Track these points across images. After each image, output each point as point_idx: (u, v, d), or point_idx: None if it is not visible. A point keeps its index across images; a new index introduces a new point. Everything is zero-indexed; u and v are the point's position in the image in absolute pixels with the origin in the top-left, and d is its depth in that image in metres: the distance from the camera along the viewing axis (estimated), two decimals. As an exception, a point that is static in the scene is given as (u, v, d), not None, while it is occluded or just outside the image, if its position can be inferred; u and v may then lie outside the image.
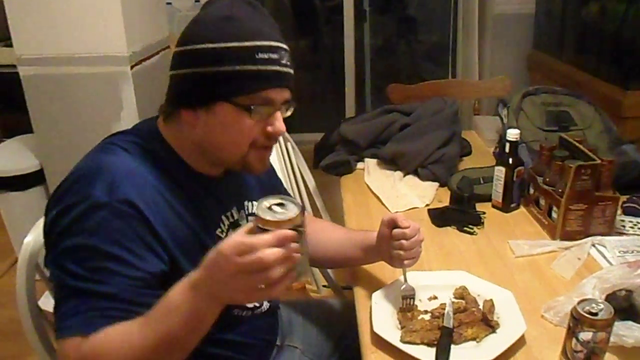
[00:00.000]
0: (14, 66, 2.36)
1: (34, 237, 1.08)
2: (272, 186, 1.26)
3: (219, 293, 0.78)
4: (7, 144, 2.78)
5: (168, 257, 0.91)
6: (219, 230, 1.05)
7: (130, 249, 0.85)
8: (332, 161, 1.83)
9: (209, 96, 0.92)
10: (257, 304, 1.13)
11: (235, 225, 1.09)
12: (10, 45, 2.37)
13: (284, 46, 0.95)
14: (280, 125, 0.96)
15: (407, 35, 4.37)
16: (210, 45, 0.90)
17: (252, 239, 0.74)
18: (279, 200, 0.79)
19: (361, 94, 4.15)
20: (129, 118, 2.33)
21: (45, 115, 2.39)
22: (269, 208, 0.78)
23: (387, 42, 4.36)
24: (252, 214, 1.14)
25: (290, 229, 0.75)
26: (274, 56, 0.92)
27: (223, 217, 1.06)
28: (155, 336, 0.80)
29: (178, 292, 0.80)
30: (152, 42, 2.54)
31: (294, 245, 0.75)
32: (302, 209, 0.79)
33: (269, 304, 1.17)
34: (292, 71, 0.97)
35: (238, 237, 0.75)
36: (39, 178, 2.53)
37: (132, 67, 2.30)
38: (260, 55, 0.91)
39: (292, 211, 0.78)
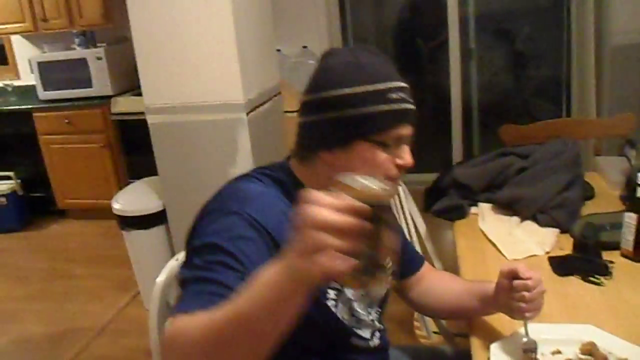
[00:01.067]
0: (142, 113, 2.58)
1: (165, 277, 1.15)
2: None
3: (286, 255, 0.70)
4: (134, 186, 3.01)
5: None
6: None
7: (244, 251, 0.89)
8: (444, 205, 1.80)
9: (349, 137, 0.99)
10: (367, 336, 1.13)
11: None
12: (139, 95, 2.61)
13: (407, 85, 1.03)
14: (409, 157, 1.02)
15: (516, 71, 4.25)
16: (347, 90, 0.98)
17: (319, 195, 0.65)
18: (369, 177, 0.69)
19: (468, 132, 4.08)
20: (243, 162, 2.46)
21: (168, 159, 2.58)
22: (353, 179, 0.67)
23: (494, 78, 4.26)
24: None
25: (368, 205, 0.63)
26: (403, 95, 1.01)
27: None
28: (223, 314, 0.73)
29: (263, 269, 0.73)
30: (266, 88, 2.67)
31: (361, 223, 0.62)
32: (388, 195, 0.68)
33: (379, 341, 1.16)
34: (415, 107, 1.04)
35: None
36: (162, 218, 2.70)
37: (247, 114, 2.43)
38: (392, 96, 0.99)
39: (374, 185, 0.66)
